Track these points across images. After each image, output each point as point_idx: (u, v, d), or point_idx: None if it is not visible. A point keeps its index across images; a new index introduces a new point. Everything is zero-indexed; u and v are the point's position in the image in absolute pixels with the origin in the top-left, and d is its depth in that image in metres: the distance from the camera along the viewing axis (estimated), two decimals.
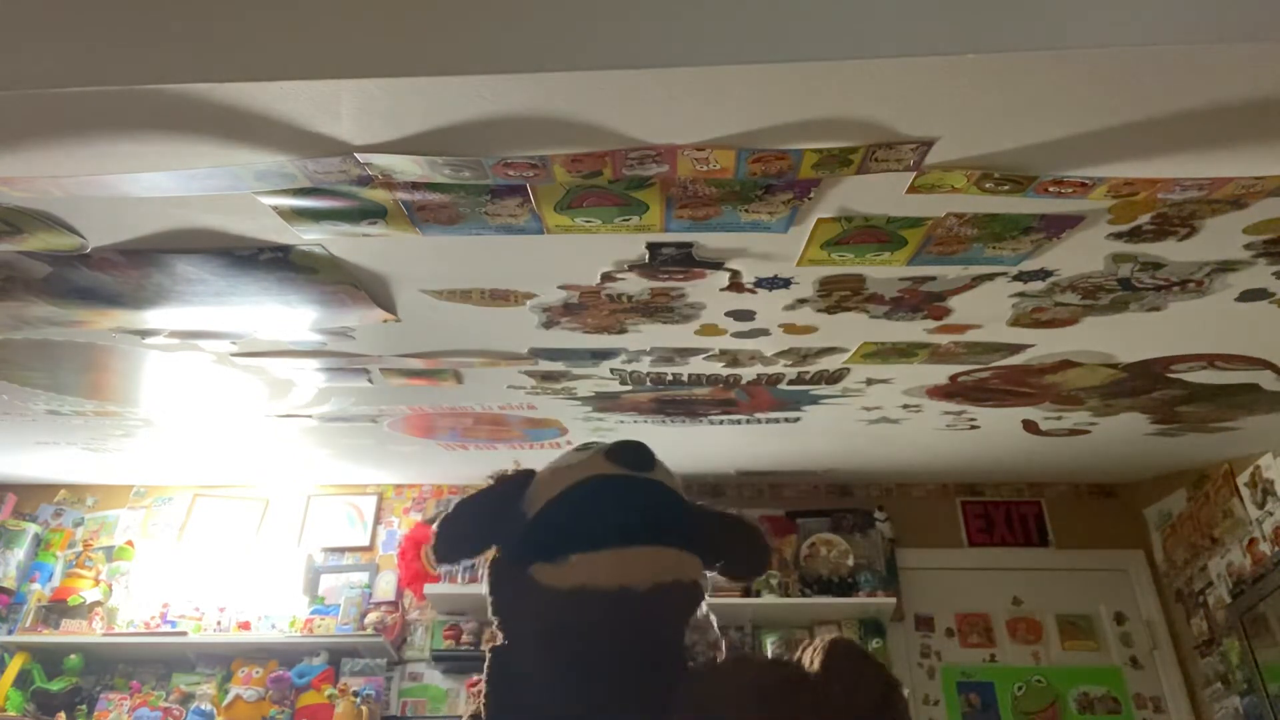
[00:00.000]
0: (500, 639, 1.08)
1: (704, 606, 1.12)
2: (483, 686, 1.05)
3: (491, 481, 1.14)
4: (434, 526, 1.11)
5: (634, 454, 1.10)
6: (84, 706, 3.50)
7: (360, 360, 2.60)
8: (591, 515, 1.03)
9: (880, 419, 3.16)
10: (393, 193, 1.67)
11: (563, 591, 0.99)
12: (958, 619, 3.74)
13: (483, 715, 1.03)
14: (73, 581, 3.69)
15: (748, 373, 2.68)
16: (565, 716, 0.98)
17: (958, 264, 1.97)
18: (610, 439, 1.15)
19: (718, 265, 1.99)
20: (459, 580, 3.61)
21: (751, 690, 0.97)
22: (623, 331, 2.35)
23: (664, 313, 2.23)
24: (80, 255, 1.93)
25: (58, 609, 3.62)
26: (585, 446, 1.14)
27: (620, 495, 1.06)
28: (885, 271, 2.01)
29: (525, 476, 1.13)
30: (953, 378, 2.72)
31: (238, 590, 3.72)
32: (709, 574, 1.12)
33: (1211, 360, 2.51)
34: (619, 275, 2.04)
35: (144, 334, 2.40)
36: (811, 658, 1.05)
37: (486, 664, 1.06)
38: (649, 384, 2.78)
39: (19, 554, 3.75)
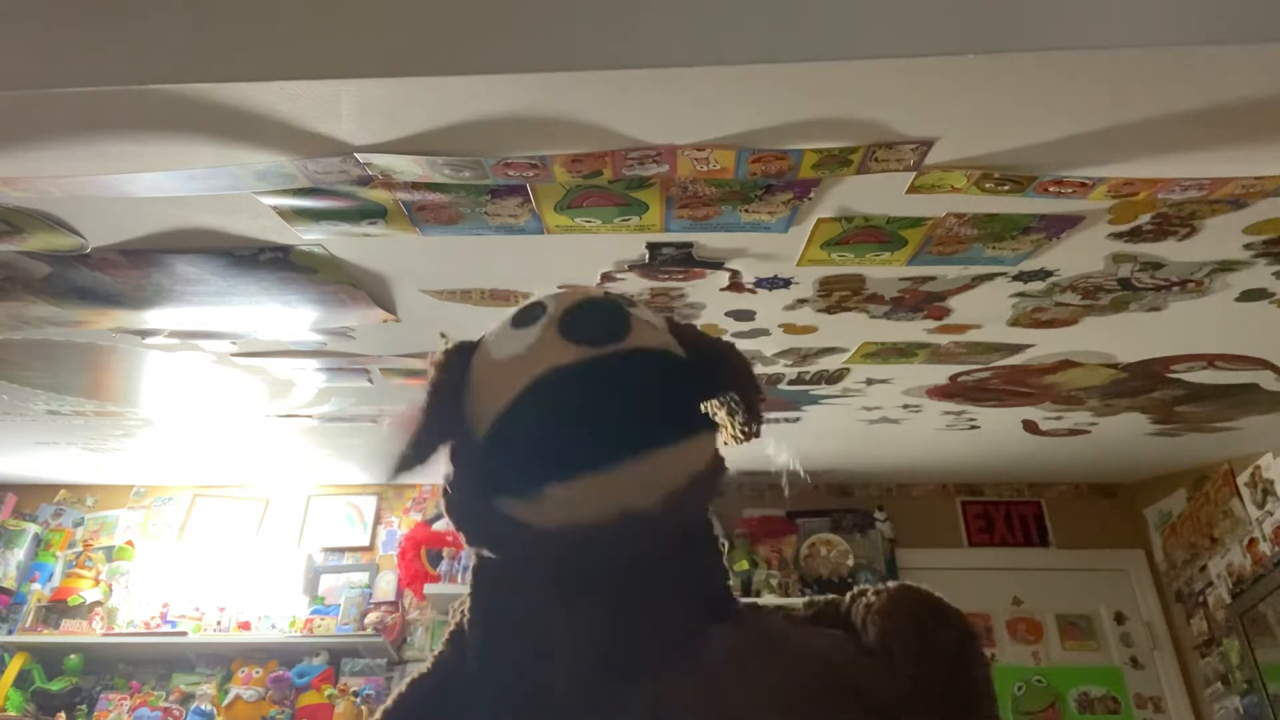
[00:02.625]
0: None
1: None
2: (466, 600, 0.86)
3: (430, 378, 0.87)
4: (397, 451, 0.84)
5: (597, 323, 0.81)
6: (84, 706, 3.49)
7: (360, 360, 2.60)
8: (558, 432, 0.77)
9: (880, 419, 3.16)
10: (393, 193, 1.67)
11: (546, 530, 0.78)
12: None
13: (465, 628, 0.85)
14: (73, 581, 3.69)
15: None
16: (575, 646, 0.78)
17: (958, 264, 1.97)
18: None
19: (718, 265, 1.99)
20: (459, 580, 3.60)
21: (795, 691, 0.75)
22: None
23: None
24: (80, 255, 1.93)
25: (58, 609, 3.62)
26: (530, 312, 0.85)
27: (591, 393, 0.77)
28: (885, 271, 2.01)
29: (460, 360, 0.86)
30: (953, 378, 2.72)
31: (238, 590, 3.71)
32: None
33: (1211, 360, 2.51)
34: (619, 275, 2.04)
35: (144, 334, 2.40)
36: (863, 617, 0.84)
37: (472, 574, 0.86)
38: None
39: (19, 554, 3.75)
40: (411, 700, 0.85)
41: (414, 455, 0.83)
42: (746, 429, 0.87)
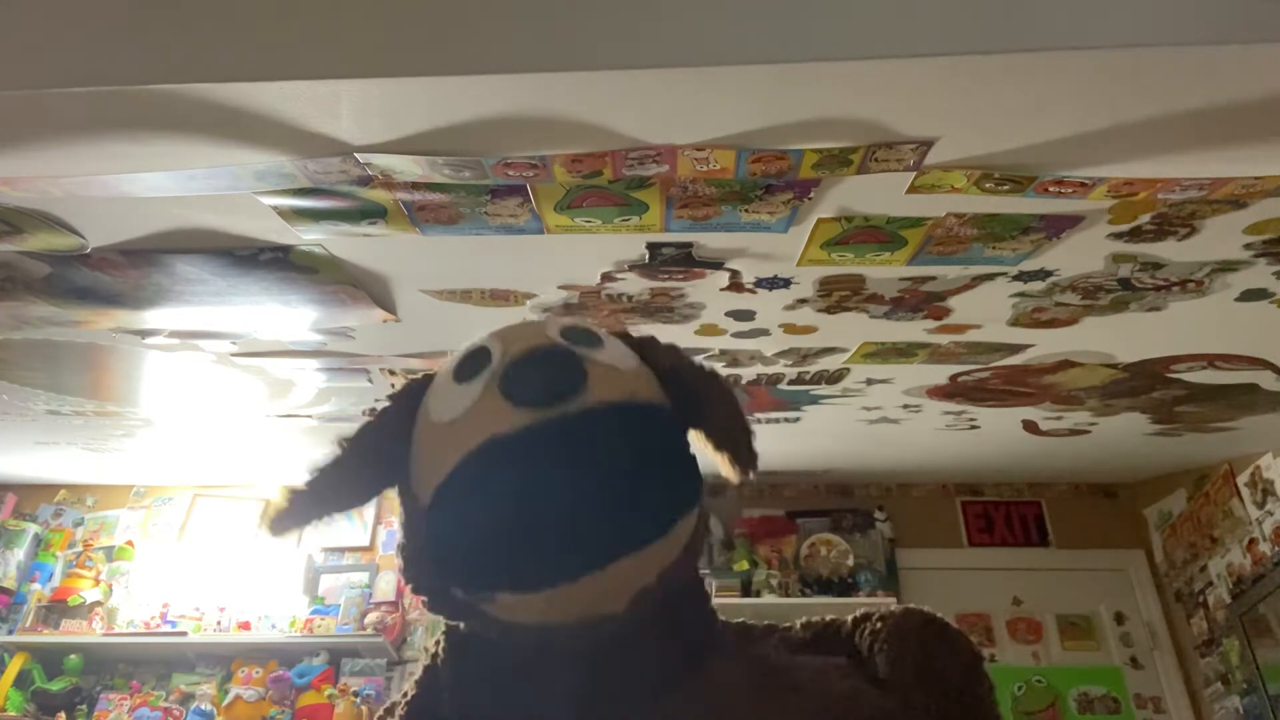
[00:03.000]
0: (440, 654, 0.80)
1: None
2: (440, 641, 0.79)
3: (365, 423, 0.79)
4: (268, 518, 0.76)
5: (545, 379, 0.68)
6: (84, 706, 3.49)
7: (360, 360, 2.60)
8: (501, 530, 0.67)
9: (880, 419, 3.16)
10: (393, 193, 1.67)
11: (504, 622, 0.71)
12: (958, 619, 3.62)
13: (439, 669, 0.78)
14: (73, 581, 3.69)
15: (748, 373, 2.67)
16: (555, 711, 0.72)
17: (958, 264, 1.97)
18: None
19: (718, 265, 1.99)
20: None
21: None
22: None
23: (664, 313, 2.23)
24: (80, 255, 1.92)
25: (58, 609, 3.62)
26: (473, 363, 0.74)
27: (536, 473, 0.66)
28: (885, 271, 2.01)
29: (409, 404, 0.78)
30: (953, 378, 2.72)
31: (238, 590, 3.71)
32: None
33: (1211, 360, 2.51)
34: (619, 275, 2.04)
35: (144, 334, 2.40)
36: (870, 645, 0.80)
37: (444, 633, 0.79)
38: None
39: (19, 554, 3.75)
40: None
41: (298, 514, 0.75)
42: (740, 468, 0.79)
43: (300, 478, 0.75)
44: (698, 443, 0.78)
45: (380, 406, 0.80)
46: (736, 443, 0.79)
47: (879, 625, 0.80)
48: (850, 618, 0.84)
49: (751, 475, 0.79)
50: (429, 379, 0.79)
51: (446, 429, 0.71)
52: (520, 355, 0.71)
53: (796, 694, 0.73)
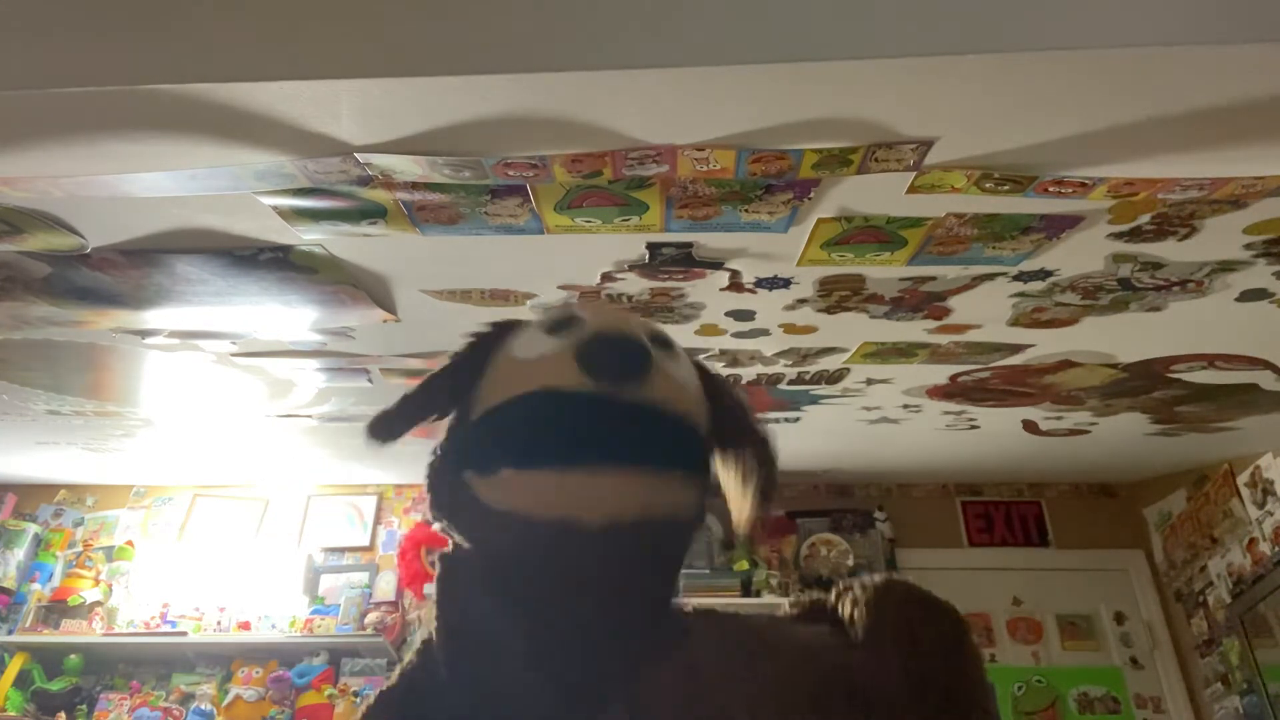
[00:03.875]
0: (451, 544, 0.85)
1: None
2: (434, 602, 0.83)
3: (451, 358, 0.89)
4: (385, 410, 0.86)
5: (614, 361, 0.77)
6: (84, 706, 3.50)
7: (360, 360, 2.60)
8: (528, 432, 0.76)
9: (880, 419, 3.16)
10: (393, 193, 1.67)
11: (494, 511, 0.76)
12: None
13: (434, 640, 0.82)
14: (73, 581, 3.69)
15: (748, 373, 2.67)
16: (515, 653, 0.75)
17: (958, 264, 1.97)
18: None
19: (718, 265, 1.99)
20: None
21: (787, 691, 0.73)
22: None
23: (664, 313, 2.23)
24: (80, 255, 1.93)
25: (58, 609, 3.62)
26: (564, 323, 0.82)
27: (577, 418, 0.76)
28: (885, 271, 2.01)
29: (488, 344, 0.87)
30: (953, 378, 2.72)
31: (238, 590, 3.71)
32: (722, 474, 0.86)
33: (1211, 360, 2.51)
34: (619, 275, 2.04)
35: (144, 334, 2.40)
36: (850, 612, 0.82)
37: (437, 575, 0.84)
38: None
39: (19, 554, 3.75)
40: (379, 712, 0.81)
41: (402, 415, 0.86)
42: (755, 508, 0.85)
43: (407, 390, 0.87)
44: (725, 478, 0.86)
45: (466, 342, 0.89)
46: (762, 497, 0.85)
47: (859, 593, 0.83)
48: (834, 591, 0.87)
49: (756, 524, 0.85)
50: (512, 324, 0.89)
51: (521, 365, 0.81)
52: (602, 332, 0.79)
53: (771, 654, 0.77)
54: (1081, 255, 1.92)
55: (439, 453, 0.85)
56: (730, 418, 0.86)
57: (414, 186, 1.65)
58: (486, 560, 0.80)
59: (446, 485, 0.83)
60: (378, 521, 4.01)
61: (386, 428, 0.87)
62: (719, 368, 2.62)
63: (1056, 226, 1.80)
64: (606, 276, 2.04)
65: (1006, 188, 1.64)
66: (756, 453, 0.86)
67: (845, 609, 0.83)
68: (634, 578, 0.78)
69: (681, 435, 0.80)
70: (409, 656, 0.85)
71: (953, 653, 0.79)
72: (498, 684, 0.76)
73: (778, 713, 0.71)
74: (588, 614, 0.75)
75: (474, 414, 0.82)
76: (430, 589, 3.47)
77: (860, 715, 0.72)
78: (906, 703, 0.74)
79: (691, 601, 0.86)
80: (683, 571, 0.86)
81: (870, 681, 0.74)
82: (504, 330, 0.88)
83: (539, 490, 0.74)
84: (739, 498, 0.86)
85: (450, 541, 0.84)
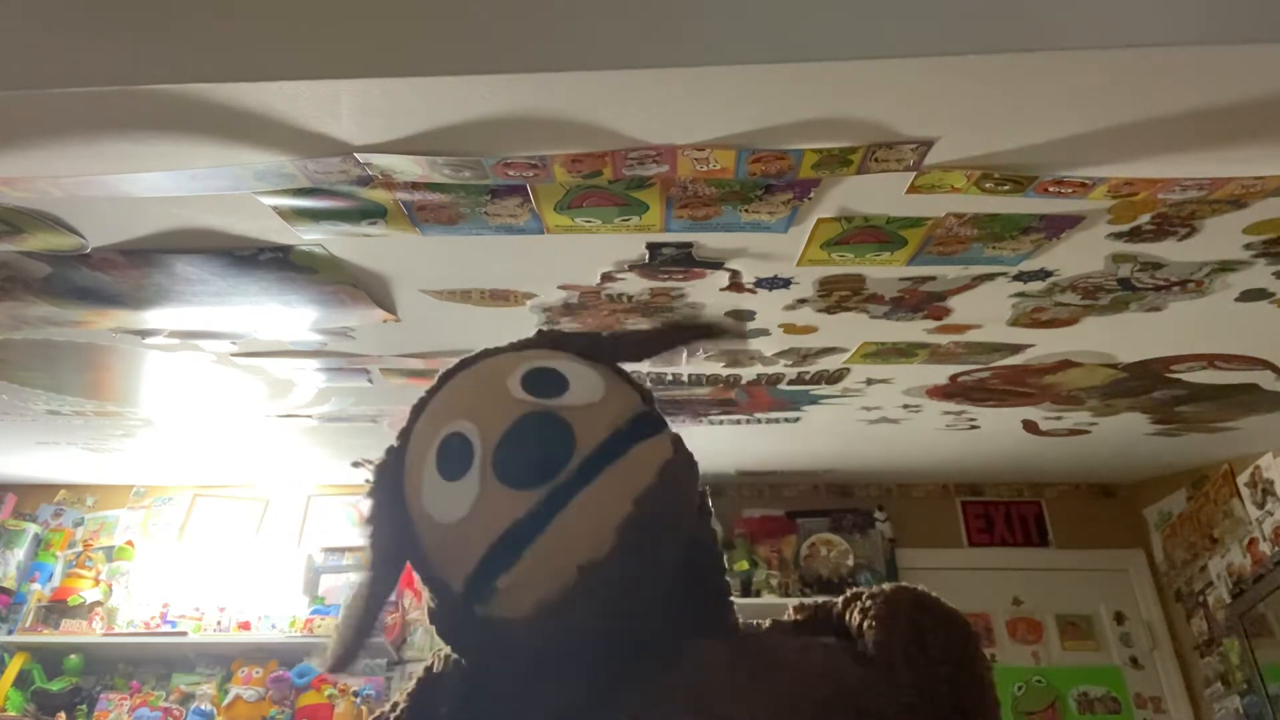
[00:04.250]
0: (438, 664, 0.81)
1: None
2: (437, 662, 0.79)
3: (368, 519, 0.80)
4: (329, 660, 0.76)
5: (536, 462, 0.72)
6: (84, 706, 3.49)
7: (360, 360, 2.60)
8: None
9: (880, 419, 3.16)
10: (393, 193, 1.67)
11: (515, 623, 0.72)
12: None
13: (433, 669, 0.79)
14: (73, 581, 3.69)
15: (748, 373, 2.67)
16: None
17: (958, 264, 1.97)
18: None
19: (718, 265, 1.99)
20: None
21: (798, 709, 0.70)
22: None
23: (664, 313, 2.23)
24: (80, 255, 1.92)
25: (58, 609, 3.62)
26: (455, 456, 0.75)
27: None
28: (885, 271, 2.01)
29: (391, 469, 0.80)
30: (953, 378, 2.72)
31: (238, 590, 3.72)
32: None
33: (1211, 360, 2.51)
34: (619, 275, 2.04)
35: (144, 334, 2.40)
36: (860, 623, 0.79)
37: (409, 694, 0.81)
38: (649, 384, 2.77)
39: (19, 554, 3.75)
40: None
41: (358, 636, 0.76)
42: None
43: (341, 620, 0.76)
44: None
45: (366, 523, 0.79)
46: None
47: (868, 604, 0.80)
48: (841, 598, 0.84)
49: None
50: (393, 465, 0.80)
51: (458, 528, 0.72)
52: (503, 438, 0.72)
53: (778, 672, 0.73)
54: (1081, 255, 1.92)
55: (431, 597, 0.79)
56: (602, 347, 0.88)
57: (414, 186, 1.65)
58: (517, 670, 0.76)
59: (453, 625, 0.78)
60: None
61: (345, 662, 0.76)
62: (719, 367, 2.62)
63: (1056, 226, 1.80)
64: (606, 276, 2.04)
65: (1006, 188, 1.64)
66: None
67: (854, 619, 0.80)
68: (657, 559, 0.75)
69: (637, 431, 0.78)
70: (402, 700, 0.82)
71: (964, 665, 0.76)
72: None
73: None
74: (626, 632, 0.73)
75: (454, 588, 0.74)
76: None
77: None
78: (919, 717, 0.72)
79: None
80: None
81: (881, 702, 0.72)
82: (389, 470, 0.79)
83: (537, 569, 0.70)
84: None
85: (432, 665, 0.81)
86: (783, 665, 0.75)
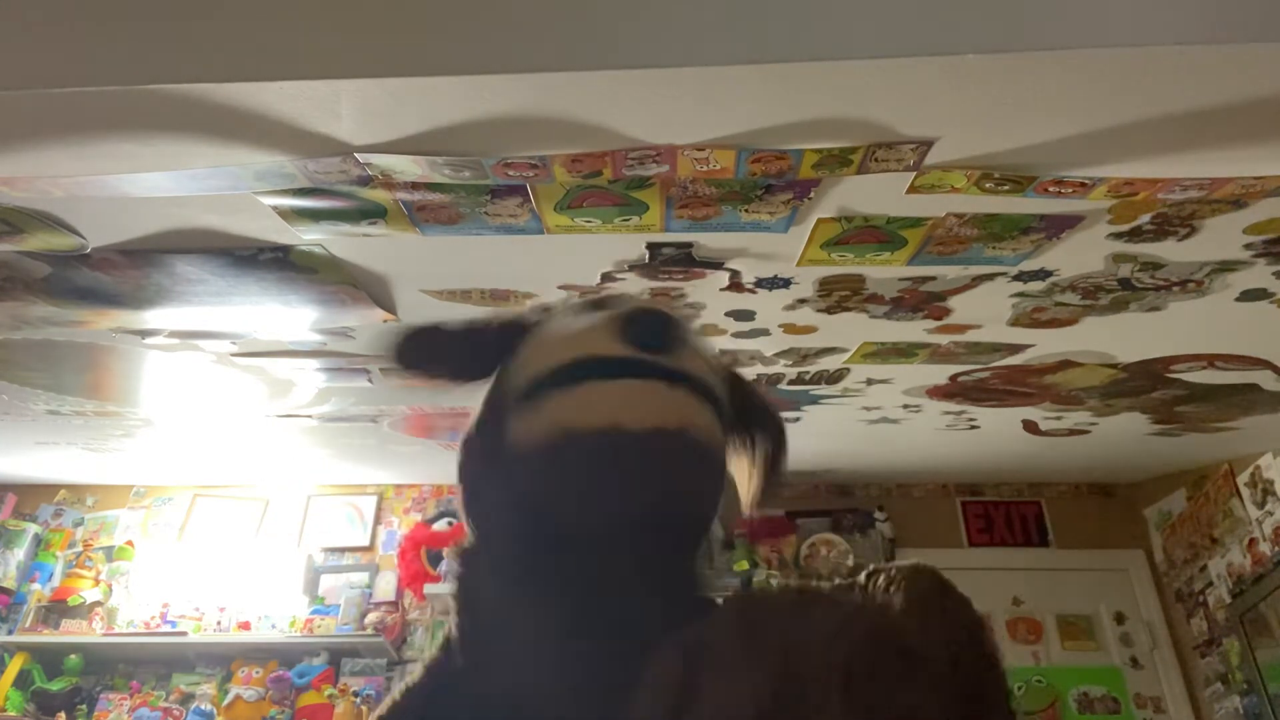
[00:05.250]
0: (469, 539, 0.84)
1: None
2: (454, 598, 0.82)
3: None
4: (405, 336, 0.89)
5: (651, 332, 0.79)
6: (84, 706, 3.50)
7: (360, 360, 2.60)
8: (570, 374, 0.78)
9: (880, 419, 3.16)
10: (393, 193, 1.67)
11: (536, 444, 0.76)
12: None
13: (455, 642, 0.81)
14: (73, 581, 3.69)
15: (748, 373, 2.68)
16: (544, 636, 0.74)
17: (958, 264, 1.97)
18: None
19: (718, 265, 1.99)
20: None
21: (840, 639, 0.69)
22: None
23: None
24: (80, 255, 1.93)
25: (58, 609, 3.62)
26: (601, 303, 0.87)
27: (621, 393, 0.77)
28: (885, 271, 2.01)
29: (520, 325, 0.88)
30: (953, 378, 2.72)
31: (238, 590, 3.72)
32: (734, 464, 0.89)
33: (1211, 360, 2.51)
34: (619, 275, 2.04)
35: (144, 334, 2.40)
36: (885, 588, 0.81)
37: (457, 572, 0.83)
38: None
39: (19, 554, 3.75)
40: (404, 706, 0.84)
41: (437, 353, 0.90)
42: (764, 489, 0.90)
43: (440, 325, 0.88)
44: (736, 462, 0.89)
45: (503, 318, 0.90)
46: (771, 472, 0.90)
47: (894, 573, 0.83)
48: (864, 573, 0.85)
49: (765, 503, 0.91)
50: (545, 309, 0.90)
51: (561, 336, 0.82)
52: (640, 309, 0.83)
53: (821, 604, 0.75)
54: (1081, 255, 1.92)
55: (476, 422, 0.86)
56: (745, 399, 0.89)
57: (414, 186, 1.65)
58: (514, 512, 0.79)
59: (479, 455, 0.84)
60: (378, 521, 4.01)
61: (414, 353, 0.91)
62: None
63: (1056, 226, 1.80)
64: (606, 276, 2.04)
65: (1006, 188, 1.64)
66: (769, 431, 0.90)
67: (878, 587, 0.82)
68: (675, 489, 0.78)
69: (710, 395, 0.81)
70: (434, 651, 0.85)
71: (977, 637, 0.79)
72: (521, 671, 0.75)
73: (821, 668, 0.67)
74: (637, 531, 0.75)
75: (517, 385, 0.81)
76: (434, 589, 3.50)
77: (911, 674, 0.69)
78: (946, 666, 0.72)
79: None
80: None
81: (920, 643, 0.72)
82: (534, 317, 0.89)
83: (584, 402, 0.75)
84: (747, 477, 0.89)
85: (464, 540, 0.84)
86: (822, 599, 0.77)
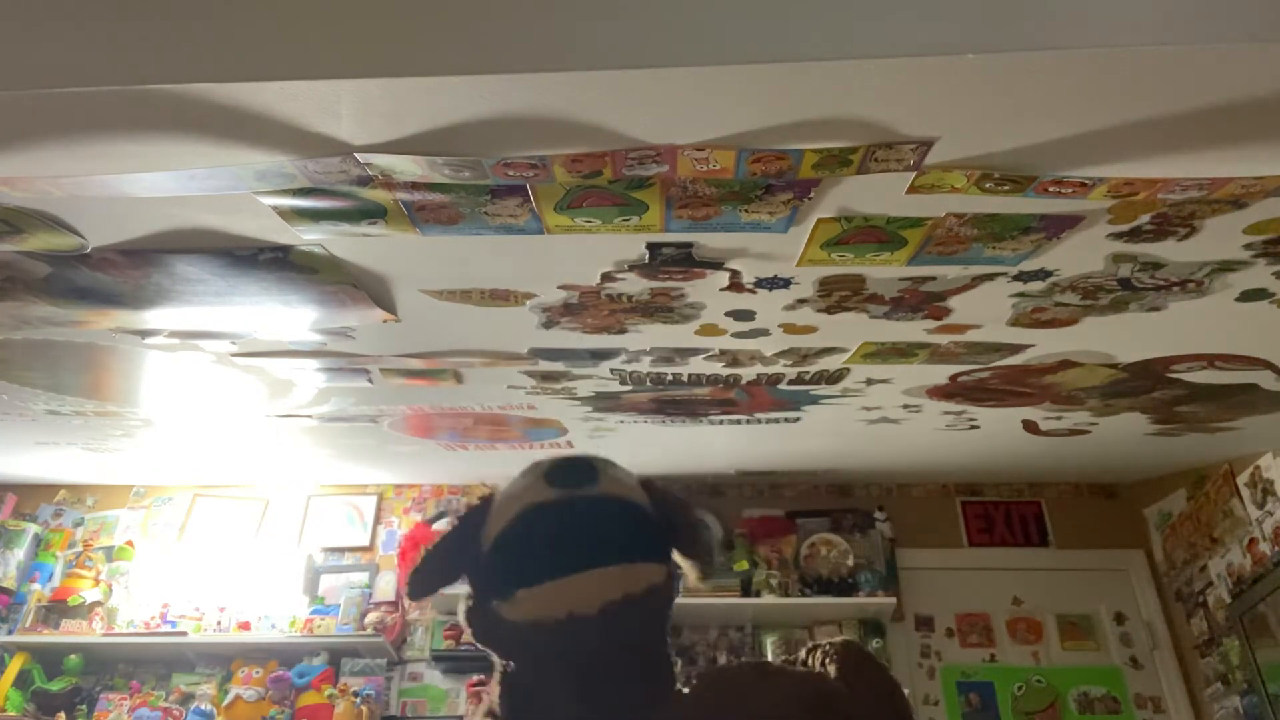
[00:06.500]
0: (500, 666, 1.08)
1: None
2: (494, 686, 1.06)
3: (455, 521, 1.13)
4: (407, 576, 1.12)
5: (571, 472, 1.05)
6: (84, 706, 3.50)
7: (360, 360, 2.60)
8: (528, 550, 1.02)
9: (880, 419, 3.16)
10: (393, 193, 1.68)
11: (520, 625, 0.99)
12: (958, 619, 3.74)
13: (500, 712, 1.05)
14: (73, 581, 3.70)
15: (748, 373, 2.68)
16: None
17: (958, 264, 1.97)
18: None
19: (718, 265, 1.99)
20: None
21: (794, 704, 0.98)
22: (623, 331, 2.35)
23: (664, 313, 2.23)
24: (80, 255, 1.93)
25: (58, 609, 3.62)
26: (533, 467, 1.10)
27: (556, 522, 1.02)
28: (885, 271, 2.01)
29: (484, 506, 1.10)
30: (953, 378, 2.72)
31: (238, 590, 3.72)
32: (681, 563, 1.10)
33: (1211, 360, 2.51)
34: (619, 275, 2.04)
35: (144, 334, 2.40)
36: (821, 662, 1.08)
37: (499, 673, 1.07)
38: (649, 384, 2.78)
39: (19, 554, 3.75)
40: None
41: (432, 580, 1.10)
42: (699, 571, 1.09)
43: (431, 549, 1.10)
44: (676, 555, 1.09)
45: (466, 507, 1.12)
46: (699, 553, 1.10)
47: (829, 648, 1.10)
48: (804, 649, 1.15)
49: (707, 574, 1.11)
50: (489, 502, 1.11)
51: (508, 501, 1.06)
52: (562, 459, 1.08)
53: (776, 676, 1.06)
54: (1081, 255, 1.92)
55: (470, 598, 1.07)
56: (664, 501, 1.09)
57: (414, 186, 1.65)
58: (520, 661, 1.03)
59: (479, 619, 1.05)
60: (378, 521, 4.01)
61: (420, 585, 1.10)
62: (719, 367, 2.63)
63: (1056, 226, 1.80)
64: (606, 276, 2.04)
65: (1006, 188, 1.64)
66: (690, 523, 1.11)
67: (816, 661, 1.09)
68: (630, 640, 1.01)
69: (636, 519, 1.05)
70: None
71: (896, 694, 1.08)
72: None
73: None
74: (613, 678, 0.98)
75: (485, 548, 1.04)
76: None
77: None
78: None
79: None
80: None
81: (858, 710, 1.02)
82: (490, 498, 1.11)
83: (546, 599, 0.97)
84: (689, 568, 1.10)
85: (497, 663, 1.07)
86: (772, 674, 1.07)
